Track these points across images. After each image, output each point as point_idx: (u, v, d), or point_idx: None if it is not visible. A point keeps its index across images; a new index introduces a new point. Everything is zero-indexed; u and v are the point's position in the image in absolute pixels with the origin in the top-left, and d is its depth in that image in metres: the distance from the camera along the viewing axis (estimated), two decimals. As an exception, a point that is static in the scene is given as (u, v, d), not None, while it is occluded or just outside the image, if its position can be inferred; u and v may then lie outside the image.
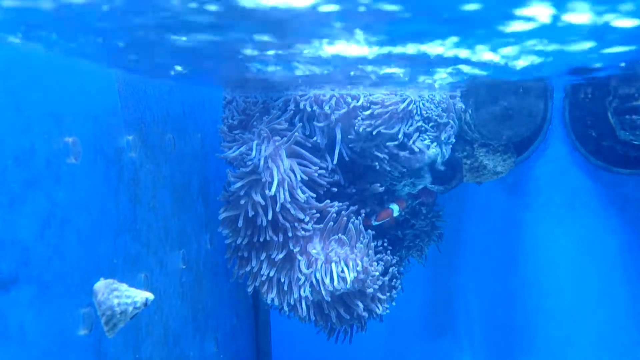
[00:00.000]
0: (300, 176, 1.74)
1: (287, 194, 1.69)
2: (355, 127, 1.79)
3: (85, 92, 1.38)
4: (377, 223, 1.97)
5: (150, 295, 1.22)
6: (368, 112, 1.78)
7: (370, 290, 1.79)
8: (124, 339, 1.48)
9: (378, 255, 1.89)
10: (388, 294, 1.88)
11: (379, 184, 1.93)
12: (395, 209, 2.00)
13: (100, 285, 1.21)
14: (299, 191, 1.73)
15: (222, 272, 2.16)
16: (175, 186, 1.82)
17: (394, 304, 1.92)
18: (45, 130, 1.21)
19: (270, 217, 1.70)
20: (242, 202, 1.72)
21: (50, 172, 1.22)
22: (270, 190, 1.66)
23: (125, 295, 1.19)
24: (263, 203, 1.69)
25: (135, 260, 1.56)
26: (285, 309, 1.80)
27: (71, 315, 1.28)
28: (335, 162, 1.82)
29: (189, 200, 1.92)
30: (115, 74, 1.50)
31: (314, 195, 1.80)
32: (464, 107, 2.01)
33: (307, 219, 1.77)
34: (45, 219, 1.20)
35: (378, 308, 1.84)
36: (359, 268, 1.74)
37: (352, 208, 1.88)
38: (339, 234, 1.82)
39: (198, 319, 1.97)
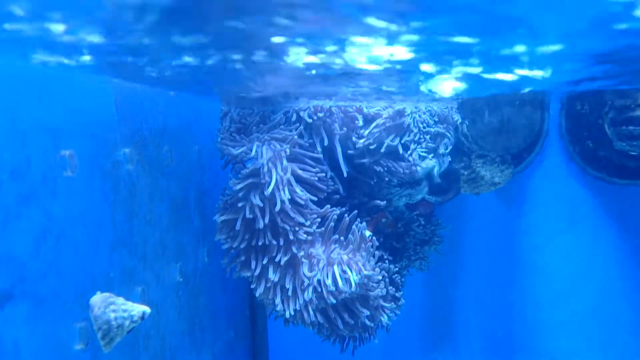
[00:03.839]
0: (300, 177, 1.73)
1: (287, 191, 1.67)
2: (353, 139, 1.79)
3: (81, 104, 1.37)
4: None
5: (147, 309, 1.21)
6: (366, 124, 1.78)
7: (374, 294, 1.78)
8: (120, 354, 1.46)
9: (380, 264, 1.88)
10: (392, 304, 1.87)
11: (380, 200, 1.93)
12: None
13: (97, 299, 1.20)
14: (298, 190, 1.71)
15: (219, 285, 2.14)
16: (172, 199, 1.81)
17: (399, 311, 1.90)
18: (41, 144, 1.21)
19: (267, 219, 1.68)
20: (240, 204, 1.71)
21: (46, 186, 1.21)
22: (267, 190, 1.64)
23: (122, 309, 1.18)
24: (261, 205, 1.68)
25: (131, 274, 1.55)
26: (291, 313, 1.76)
27: (67, 330, 1.26)
28: (345, 174, 1.81)
29: (185, 213, 1.91)
30: (112, 87, 1.50)
31: (315, 198, 1.79)
32: (460, 118, 2.01)
33: (308, 222, 1.75)
34: (40, 234, 1.19)
35: (383, 315, 1.82)
36: (363, 273, 1.72)
37: (354, 212, 1.87)
38: (341, 237, 1.80)
39: (195, 332, 1.95)
